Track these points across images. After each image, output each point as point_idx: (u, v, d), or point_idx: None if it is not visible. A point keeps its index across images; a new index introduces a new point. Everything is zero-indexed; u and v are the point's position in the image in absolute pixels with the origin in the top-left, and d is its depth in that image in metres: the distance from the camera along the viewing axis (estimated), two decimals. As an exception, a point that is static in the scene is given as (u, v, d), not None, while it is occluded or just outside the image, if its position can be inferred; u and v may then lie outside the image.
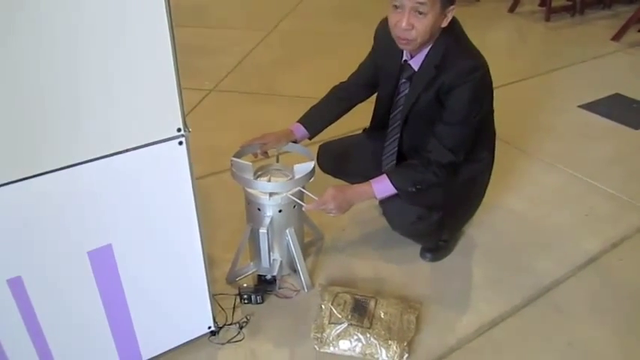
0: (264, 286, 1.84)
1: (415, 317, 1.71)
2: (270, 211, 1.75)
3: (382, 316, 1.67)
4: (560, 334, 1.74)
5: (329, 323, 1.66)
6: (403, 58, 1.76)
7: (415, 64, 1.73)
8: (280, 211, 1.75)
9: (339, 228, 2.20)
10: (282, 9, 5.29)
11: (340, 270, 1.98)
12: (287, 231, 1.80)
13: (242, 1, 5.79)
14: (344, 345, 1.62)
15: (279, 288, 1.87)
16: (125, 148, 1.20)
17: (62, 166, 1.14)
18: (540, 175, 2.64)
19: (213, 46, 4.31)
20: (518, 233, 2.22)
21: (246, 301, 1.80)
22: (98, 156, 1.17)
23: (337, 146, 2.11)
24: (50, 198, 1.16)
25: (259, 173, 1.83)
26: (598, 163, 2.73)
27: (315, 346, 1.64)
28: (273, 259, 1.85)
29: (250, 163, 1.79)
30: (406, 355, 1.60)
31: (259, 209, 1.75)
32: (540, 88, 3.68)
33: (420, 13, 1.55)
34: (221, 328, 1.70)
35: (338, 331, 1.63)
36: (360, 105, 1.99)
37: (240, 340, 1.68)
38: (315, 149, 2.05)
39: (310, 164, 1.76)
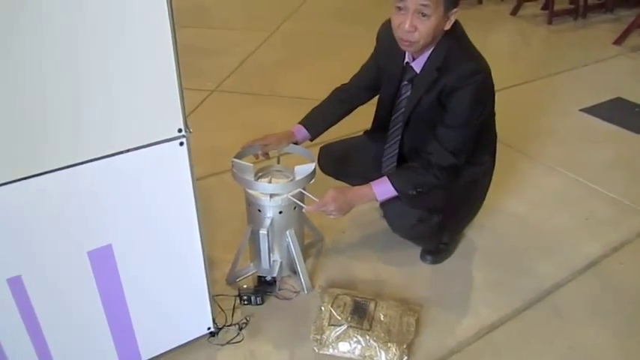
0: (264, 287, 1.84)
1: (415, 320, 1.71)
2: (270, 213, 1.74)
3: (382, 319, 1.67)
4: (561, 337, 1.74)
5: (328, 325, 1.66)
6: (405, 60, 1.76)
7: (417, 66, 1.73)
8: (281, 212, 1.75)
9: (339, 230, 2.20)
10: (284, 10, 5.29)
11: (340, 272, 1.98)
12: (287, 232, 1.80)
13: (244, 2, 5.79)
14: (343, 347, 1.62)
15: (279, 289, 1.86)
16: (126, 149, 1.20)
17: (63, 165, 1.14)
18: (541, 178, 2.64)
19: (215, 47, 4.32)
20: (519, 236, 2.21)
21: (245, 302, 1.80)
22: (99, 156, 1.18)
23: (338, 148, 2.10)
24: (50, 198, 1.16)
25: (260, 174, 1.84)
26: (599, 167, 2.73)
27: (315, 348, 1.64)
28: (274, 261, 1.84)
29: (251, 165, 1.79)
30: (405, 358, 1.60)
31: (260, 210, 1.75)
32: (542, 92, 3.67)
33: (424, 15, 1.55)
34: (220, 329, 1.70)
35: (337, 333, 1.63)
36: (361, 107, 1.99)
37: (239, 342, 1.68)
38: (316, 151, 2.05)
39: (311, 166, 1.76)
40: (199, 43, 4.30)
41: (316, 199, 1.73)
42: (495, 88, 1.74)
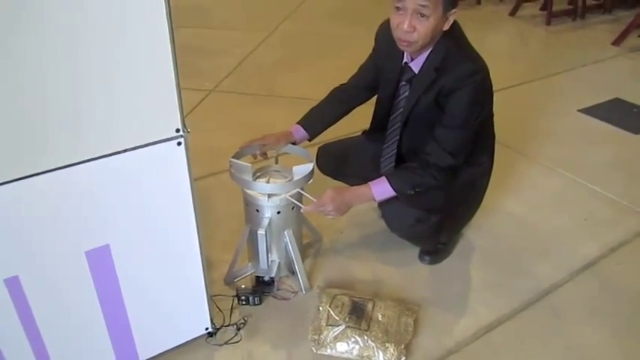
0: (262, 287, 1.84)
1: (413, 320, 1.71)
2: (268, 213, 1.74)
3: (380, 319, 1.67)
4: (559, 338, 1.74)
5: (326, 325, 1.65)
6: (403, 61, 1.76)
7: (415, 66, 1.73)
8: (279, 212, 1.75)
9: (337, 230, 2.20)
10: (283, 10, 5.29)
11: (338, 272, 1.98)
12: (285, 232, 1.80)
13: (243, 3, 5.79)
14: (341, 347, 1.62)
15: (277, 289, 1.86)
16: (123, 148, 1.20)
17: (60, 165, 1.14)
18: (540, 179, 2.64)
19: (213, 47, 4.32)
20: (517, 237, 2.22)
21: (243, 303, 1.80)
22: (96, 156, 1.17)
23: (336, 148, 2.11)
24: (48, 198, 1.16)
25: (258, 174, 1.83)
26: (597, 168, 2.73)
27: (313, 348, 1.64)
28: (272, 261, 1.84)
29: (249, 165, 1.79)
30: (403, 358, 1.60)
31: (258, 210, 1.75)
32: (540, 92, 3.68)
33: (422, 15, 1.55)
34: (218, 329, 1.70)
35: (335, 334, 1.63)
36: (359, 107, 1.99)
37: (237, 342, 1.68)
38: (314, 151, 2.05)
39: (309, 166, 1.76)
40: (198, 43, 4.30)
41: (314, 200, 1.73)
42: (494, 88, 1.74)
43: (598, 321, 1.81)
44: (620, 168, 2.75)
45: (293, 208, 1.77)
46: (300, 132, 1.91)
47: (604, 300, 1.90)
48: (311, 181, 1.75)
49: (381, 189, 1.71)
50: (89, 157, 1.17)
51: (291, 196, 1.73)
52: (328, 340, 1.63)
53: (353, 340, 1.62)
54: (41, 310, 1.28)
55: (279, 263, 1.86)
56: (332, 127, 1.97)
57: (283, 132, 1.89)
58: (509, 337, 1.74)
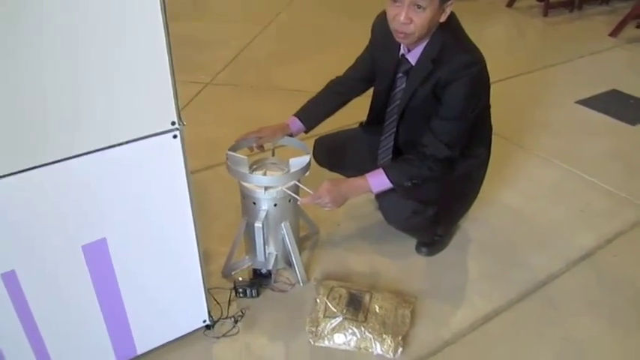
0: (260, 280, 1.84)
1: (410, 311, 1.72)
2: (265, 205, 1.74)
3: (377, 311, 1.68)
4: (555, 328, 1.75)
5: (324, 317, 1.66)
6: (400, 52, 1.76)
7: (412, 58, 1.72)
8: (275, 205, 1.75)
9: (334, 222, 2.20)
10: (280, 2, 5.26)
11: (335, 264, 1.99)
12: (282, 225, 1.80)
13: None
14: (339, 339, 1.62)
15: (275, 282, 1.87)
16: (119, 142, 1.19)
17: (56, 159, 1.13)
18: (536, 170, 2.64)
19: (209, 39, 4.30)
20: (514, 228, 2.22)
21: (241, 295, 1.80)
22: (92, 149, 1.17)
23: (333, 140, 2.10)
24: (44, 191, 1.15)
25: (255, 167, 1.83)
26: (594, 159, 2.73)
27: (310, 340, 1.64)
28: (269, 253, 1.85)
29: (246, 157, 1.79)
30: (400, 349, 1.61)
31: (254, 203, 1.75)
32: (537, 84, 3.67)
33: (419, 7, 1.54)
34: (216, 322, 1.70)
35: (333, 325, 1.64)
36: (356, 99, 1.99)
37: (235, 334, 1.68)
38: (311, 143, 2.05)
39: (306, 158, 1.76)
40: (193, 36, 4.27)
41: (311, 192, 1.73)
42: (491, 80, 1.74)
43: (594, 312, 1.82)
44: (616, 159, 2.75)
45: (290, 200, 1.77)
46: (297, 124, 1.90)
47: (600, 291, 1.91)
48: (307, 173, 1.75)
49: (378, 181, 1.71)
50: (84, 151, 1.16)
51: (287, 188, 1.73)
52: (326, 332, 1.63)
53: (350, 331, 1.62)
54: (38, 304, 1.28)
55: (277, 256, 1.86)
56: (328, 119, 1.97)
57: (280, 124, 1.89)
58: (506, 328, 1.75)
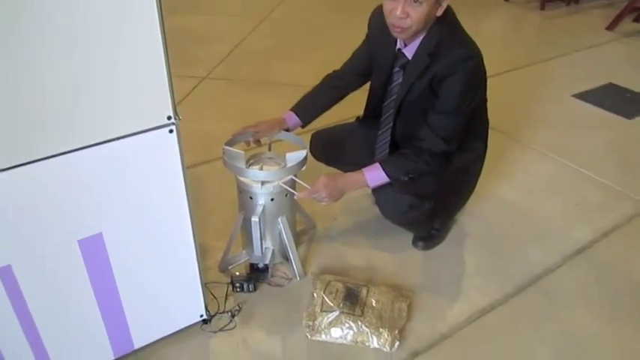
0: (257, 274, 1.84)
1: (407, 305, 1.72)
2: (262, 200, 1.74)
3: (374, 304, 1.68)
4: (551, 322, 1.75)
5: (321, 311, 1.66)
6: (397, 47, 1.75)
7: (409, 52, 1.72)
8: (272, 199, 1.75)
9: (331, 217, 2.20)
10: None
11: (332, 258, 1.99)
12: (279, 219, 1.80)
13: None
14: (335, 333, 1.63)
15: (272, 276, 1.87)
16: (115, 136, 1.19)
17: (51, 154, 1.13)
18: (533, 164, 2.65)
19: (205, 34, 4.28)
20: (510, 222, 2.23)
21: (238, 290, 1.80)
22: (87, 144, 1.16)
23: (330, 134, 2.10)
24: (40, 186, 1.15)
25: (251, 162, 1.83)
26: (591, 153, 2.74)
27: (307, 334, 1.65)
28: (266, 248, 1.85)
29: (242, 152, 1.79)
30: (397, 343, 1.61)
31: (251, 198, 1.75)
32: (534, 78, 3.67)
33: (415, 1, 1.54)
34: (213, 316, 1.70)
35: (330, 319, 1.64)
36: (353, 93, 1.99)
37: (232, 329, 1.68)
38: (307, 138, 2.04)
39: (302, 153, 1.75)
40: (190, 29, 4.26)
41: (308, 186, 1.73)
42: (487, 74, 1.74)
43: (590, 305, 1.82)
44: (613, 153, 2.76)
45: (286, 195, 1.77)
46: (294, 119, 1.90)
47: (596, 284, 1.92)
48: (304, 167, 1.75)
49: (375, 175, 1.71)
50: (80, 146, 1.16)
51: (284, 183, 1.72)
52: (322, 326, 1.64)
53: (347, 325, 1.63)
54: (35, 298, 1.28)
55: (273, 250, 1.87)
56: (325, 114, 1.96)
57: (276, 119, 1.89)
58: (503, 322, 1.75)
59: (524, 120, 3.04)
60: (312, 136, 2.11)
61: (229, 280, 1.81)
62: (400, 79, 1.79)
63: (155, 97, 1.20)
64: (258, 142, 1.88)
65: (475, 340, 1.69)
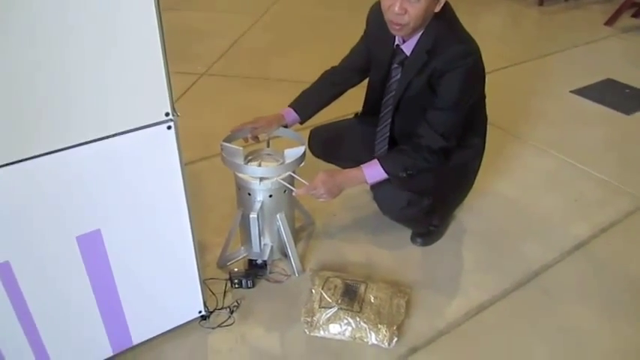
0: (255, 270, 1.84)
1: (405, 301, 1.72)
2: (260, 196, 1.74)
3: (372, 301, 1.68)
4: (550, 318, 1.76)
5: (319, 307, 1.67)
6: (395, 43, 1.75)
7: (407, 49, 1.72)
8: (271, 196, 1.75)
9: (329, 213, 2.20)
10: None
11: (331, 255, 1.99)
12: (277, 216, 1.80)
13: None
14: (334, 329, 1.63)
15: (270, 272, 1.87)
16: (113, 133, 1.19)
17: (49, 150, 1.13)
18: (531, 160, 2.65)
19: (204, 30, 4.27)
20: (509, 218, 2.23)
21: (236, 286, 1.81)
22: (85, 140, 1.16)
23: (328, 131, 2.10)
24: (37, 182, 1.15)
25: (250, 158, 1.83)
26: (589, 149, 2.74)
27: (306, 330, 1.65)
28: (264, 244, 1.85)
29: (241, 148, 1.78)
30: (395, 339, 1.62)
31: (250, 194, 1.75)
32: (533, 74, 3.67)
33: (414, -3, 1.53)
34: (212, 312, 1.70)
35: (328, 315, 1.64)
36: (351, 90, 1.98)
37: (230, 325, 1.68)
38: (306, 134, 2.04)
39: (301, 149, 1.75)
40: (189, 25, 4.25)
41: (306, 183, 1.73)
42: (486, 70, 1.73)
43: (588, 301, 1.83)
44: (611, 149, 2.76)
45: (285, 191, 1.77)
46: (292, 115, 1.90)
47: (594, 280, 1.92)
48: (303, 164, 1.75)
49: (373, 171, 1.72)
50: (77, 142, 1.15)
51: (282, 179, 1.72)
52: (321, 322, 1.64)
53: (345, 321, 1.63)
54: (33, 295, 1.28)
55: (272, 246, 1.87)
56: (324, 110, 1.96)
57: (275, 115, 1.89)
58: (501, 318, 1.76)
59: (522, 116, 3.04)
60: (311, 132, 2.11)
61: (228, 277, 1.81)
62: (398, 76, 1.78)
63: (153, 94, 1.20)
64: (256, 138, 1.88)
65: (473, 336, 1.69)
